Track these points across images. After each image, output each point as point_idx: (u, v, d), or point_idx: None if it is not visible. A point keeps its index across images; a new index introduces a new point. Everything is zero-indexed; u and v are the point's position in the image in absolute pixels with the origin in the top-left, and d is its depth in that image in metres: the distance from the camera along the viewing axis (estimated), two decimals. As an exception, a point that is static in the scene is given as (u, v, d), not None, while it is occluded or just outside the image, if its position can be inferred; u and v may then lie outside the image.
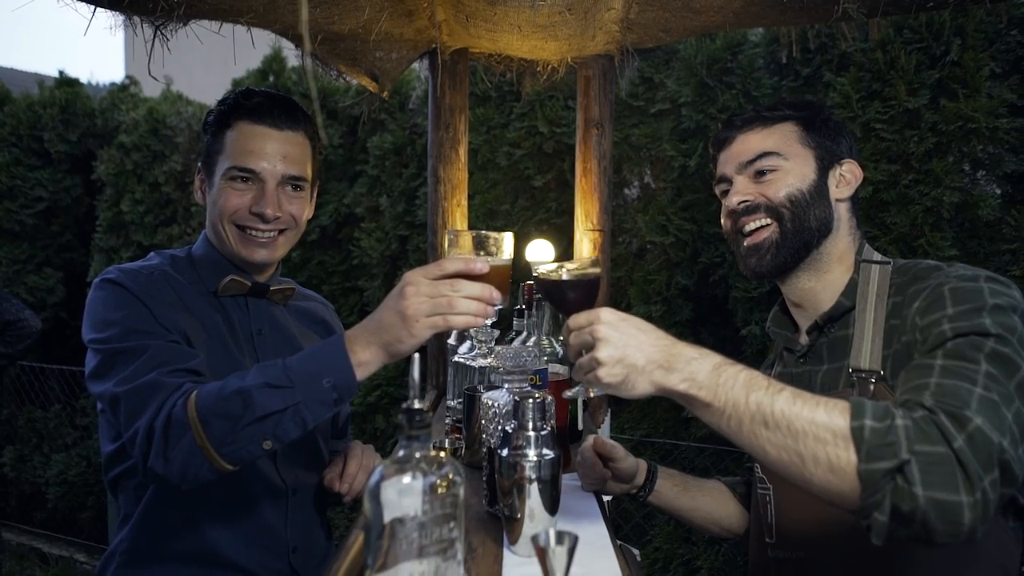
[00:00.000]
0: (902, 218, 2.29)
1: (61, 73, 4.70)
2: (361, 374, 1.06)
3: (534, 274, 1.11)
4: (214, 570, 1.24)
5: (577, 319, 1.00)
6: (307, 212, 1.37)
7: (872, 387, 1.07)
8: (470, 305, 1.03)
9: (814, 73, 2.45)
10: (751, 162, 1.22)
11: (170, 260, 1.34)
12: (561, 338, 1.53)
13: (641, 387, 0.94)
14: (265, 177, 1.27)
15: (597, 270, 1.09)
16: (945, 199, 2.24)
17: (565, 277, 1.06)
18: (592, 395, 1.04)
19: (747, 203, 1.22)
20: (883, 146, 2.31)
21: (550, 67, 1.96)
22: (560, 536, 0.77)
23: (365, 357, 1.06)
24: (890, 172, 2.30)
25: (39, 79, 4.91)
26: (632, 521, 2.67)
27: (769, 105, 1.28)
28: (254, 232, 1.28)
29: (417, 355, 0.82)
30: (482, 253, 1.08)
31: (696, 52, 2.61)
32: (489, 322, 1.09)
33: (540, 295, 1.08)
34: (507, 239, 1.11)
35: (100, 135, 4.18)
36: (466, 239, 1.08)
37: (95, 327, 1.18)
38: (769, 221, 1.20)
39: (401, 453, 0.78)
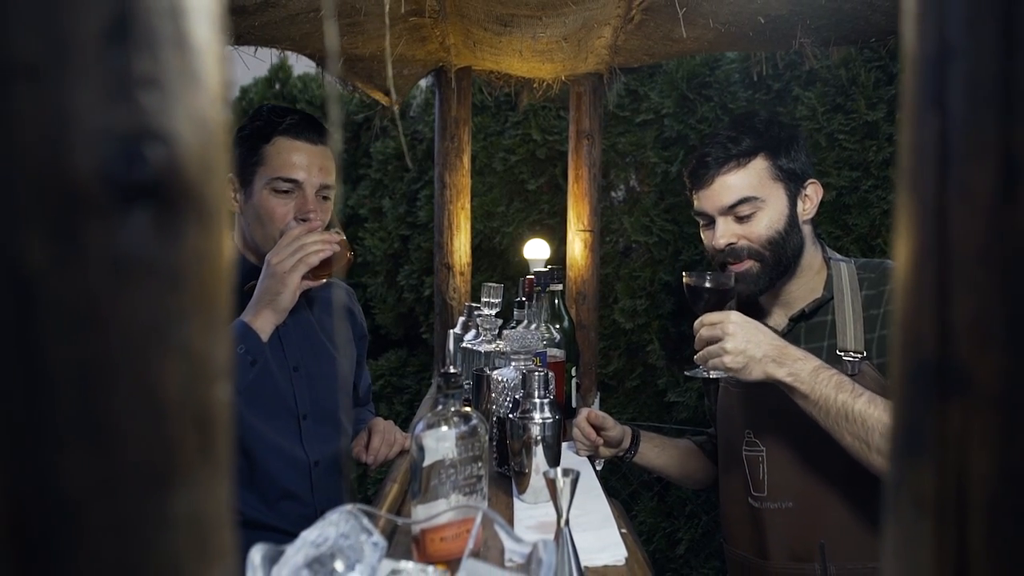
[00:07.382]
0: (862, 220, 2.52)
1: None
2: (264, 336, 1.35)
3: (684, 281, 1.31)
4: (251, 531, 1.38)
5: (711, 316, 1.21)
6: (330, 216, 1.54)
7: (856, 366, 1.25)
8: (317, 244, 1.33)
9: (784, 87, 2.66)
10: (732, 207, 1.32)
11: None
12: (546, 323, 1.74)
13: (755, 374, 1.16)
14: (306, 186, 1.42)
15: (732, 282, 1.29)
16: (901, 203, 2.47)
17: (708, 284, 1.27)
18: (710, 375, 1.26)
19: (732, 246, 1.33)
20: (845, 155, 2.54)
21: (545, 83, 2.15)
22: (566, 471, 0.96)
23: (260, 323, 1.34)
24: (851, 178, 2.53)
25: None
26: (619, 498, 2.89)
27: (734, 135, 1.33)
28: None
29: (452, 332, 1.03)
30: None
31: (678, 67, 2.81)
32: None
33: (687, 294, 1.32)
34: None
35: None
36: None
37: None
38: (753, 261, 1.33)
39: (439, 407, 1.00)
